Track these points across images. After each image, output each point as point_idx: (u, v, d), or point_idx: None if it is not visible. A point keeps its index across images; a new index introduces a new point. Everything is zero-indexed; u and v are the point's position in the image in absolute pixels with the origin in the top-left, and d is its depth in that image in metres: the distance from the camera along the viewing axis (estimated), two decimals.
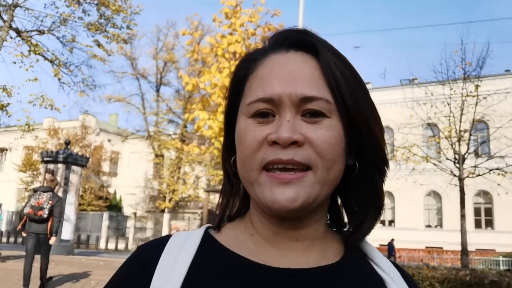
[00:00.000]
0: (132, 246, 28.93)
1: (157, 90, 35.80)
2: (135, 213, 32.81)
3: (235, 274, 0.63)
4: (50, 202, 7.56)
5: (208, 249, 0.67)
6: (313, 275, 0.64)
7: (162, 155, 34.32)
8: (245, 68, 0.69)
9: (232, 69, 9.90)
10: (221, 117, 10.19)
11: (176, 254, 0.65)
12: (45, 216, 7.46)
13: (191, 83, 10.72)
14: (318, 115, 0.62)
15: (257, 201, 0.64)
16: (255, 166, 0.62)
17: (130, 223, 31.80)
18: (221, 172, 26.68)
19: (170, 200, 31.85)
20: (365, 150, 0.66)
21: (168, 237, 0.70)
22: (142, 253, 0.69)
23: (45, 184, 8.10)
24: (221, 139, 10.54)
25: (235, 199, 0.73)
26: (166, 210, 31.73)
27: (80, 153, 20.35)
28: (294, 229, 0.66)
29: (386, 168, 0.69)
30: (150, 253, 0.67)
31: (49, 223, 7.57)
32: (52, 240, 7.67)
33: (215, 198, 30.91)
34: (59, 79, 15.76)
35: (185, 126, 33.81)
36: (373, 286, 0.67)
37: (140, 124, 47.15)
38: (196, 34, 11.44)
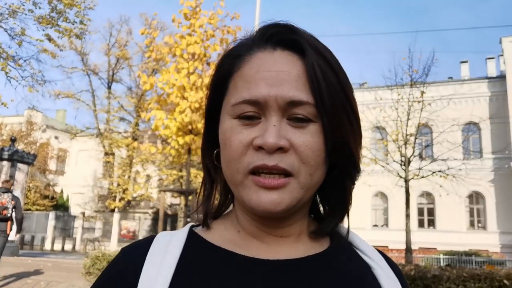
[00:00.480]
0: (79, 247, 28.07)
1: (109, 87, 34.92)
2: (83, 213, 31.82)
3: (224, 268, 0.63)
4: (13, 202, 8.02)
5: (195, 247, 0.67)
6: (302, 264, 0.65)
7: (113, 154, 33.53)
8: (230, 64, 0.67)
9: (191, 69, 9.94)
10: (179, 117, 10.20)
11: (162, 254, 0.64)
12: (8, 215, 7.89)
13: (149, 82, 10.65)
14: (304, 119, 0.62)
15: (241, 202, 0.65)
16: (241, 170, 0.62)
17: (77, 223, 30.81)
18: (174, 172, 26.52)
19: (120, 199, 31.18)
20: (337, 156, 0.65)
21: (152, 237, 0.69)
22: (127, 254, 0.68)
23: (0, 185, 8.52)
24: (178, 138, 10.54)
25: (215, 193, 0.73)
26: (116, 209, 31.03)
27: (25, 150, 19.57)
28: (279, 227, 0.67)
29: (356, 174, 0.70)
30: (135, 254, 0.67)
31: (9, 222, 8.00)
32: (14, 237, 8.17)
33: (168, 198, 30.59)
34: (6, 73, 15.09)
35: (137, 124, 33.21)
36: (359, 270, 0.68)
37: (90, 121, 45.73)
38: (155, 33, 11.35)
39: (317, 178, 0.64)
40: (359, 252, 0.72)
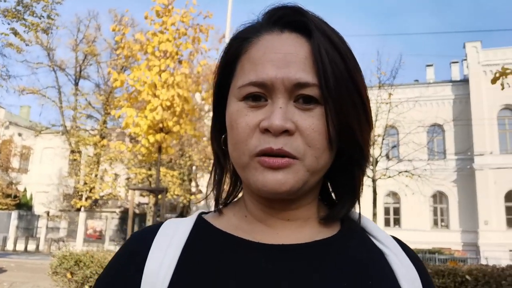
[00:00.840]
0: (43, 247, 27.35)
1: (76, 84, 34.10)
2: (47, 212, 30.99)
3: (228, 253, 0.63)
4: None
5: (202, 232, 0.67)
6: (308, 248, 0.64)
7: (80, 152, 32.79)
8: (237, 47, 0.67)
9: (163, 67, 9.85)
10: (149, 115, 10.10)
11: (169, 239, 0.65)
12: None
13: (120, 79, 10.50)
14: (311, 101, 0.61)
15: (247, 183, 0.65)
16: (247, 152, 0.62)
17: (42, 223, 29.98)
18: (143, 171, 26.15)
19: (87, 198, 30.53)
20: (343, 142, 0.64)
21: (160, 223, 0.70)
22: (134, 240, 0.69)
23: None
24: (149, 137, 10.43)
25: (224, 179, 0.73)
26: (82, 209, 30.36)
27: None
28: (285, 210, 0.67)
29: (365, 163, 0.69)
30: (142, 239, 0.67)
31: None
32: None
33: (136, 197, 30.14)
34: None
35: (105, 122, 32.57)
36: (371, 257, 0.66)
37: (56, 118, 44.50)
38: (126, 30, 11.19)
39: (324, 161, 0.63)
40: (372, 238, 0.71)
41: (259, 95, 0.62)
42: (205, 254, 0.63)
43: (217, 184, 0.72)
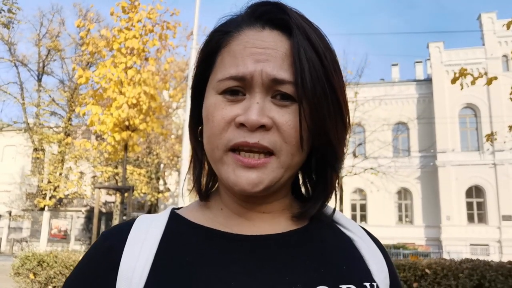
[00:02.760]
0: (5, 248, 26.50)
1: (39, 79, 33.07)
2: (9, 212, 30.02)
3: (206, 245, 0.64)
4: None
5: (176, 226, 0.67)
6: (284, 237, 0.66)
7: (43, 150, 31.88)
8: (218, 40, 0.67)
9: (129, 64, 9.68)
10: (115, 112, 9.95)
11: (143, 235, 0.64)
12: None
13: (85, 76, 10.29)
14: (288, 98, 0.61)
15: (220, 179, 0.66)
16: (221, 146, 0.62)
17: (3, 223, 29.01)
18: (110, 169, 25.70)
19: (51, 197, 29.74)
20: (315, 141, 0.64)
21: (133, 220, 0.69)
22: (108, 237, 0.68)
23: None
24: (115, 134, 10.27)
25: (203, 173, 0.72)
26: (46, 208, 29.56)
27: None
28: (260, 204, 0.67)
29: (337, 163, 0.68)
30: (116, 236, 0.66)
31: None
32: None
33: (102, 196, 29.57)
34: None
35: (69, 119, 31.76)
36: (341, 244, 0.70)
37: (18, 115, 43.19)
38: (92, 26, 10.97)
39: (298, 158, 0.63)
40: (341, 228, 0.73)
41: (237, 89, 0.62)
42: (182, 248, 0.63)
43: (197, 180, 0.71)
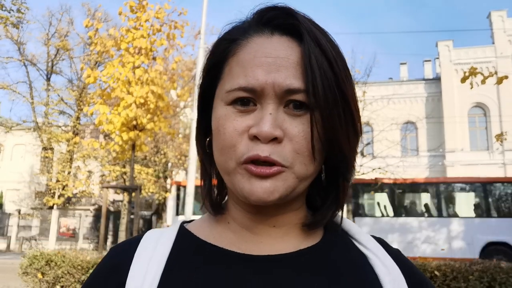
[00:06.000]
0: (14, 246, 26.72)
1: (48, 79, 33.27)
2: (19, 210, 30.27)
3: (213, 266, 0.62)
4: None
5: (184, 244, 0.66)
6: (293, 259, 0.63)
7: (52, 148, 32.09)
8: (225, 49, 0.64)
9: (137, 63, 9.73)
10: (123, 112, 9.97)
11: (150, 252, 0.63)
12: None
13: (93, 75, 10.32)
14: (301, 107, 0.59)
15: (233, 190, 0.62)
16: (234, 158, 0.60)
17: (13, 221, 29.28)
18: (118, 168, 25.82)
19: (60, 196, 29.93)
20: (328, 152, 0.63)
21: (141, 236, 0.68)
22: (114, 254, 0.67)
23: None
24: (123, 134, 10.30)
25: (214, 186, 0.71)
26: (55, 206, 29.76)
27: None
28: (272, 216, 0.65)
29: (348, 173, 0.66)
30: (123, 253, 0.66)
31: None
32: None
33: (111, 195, 29.75)
34: None
35: (78, 118, 31.93)
36: (354, 262, 0.66)
37: (27, 114, 43.53)
38: (100, 25, 11.00)
39: (312, 168, 0.61)
40: (355, 242, 0.70)
41: (248, 99, 0.60)
42: (189, 268, 0.62)
43: (207, 194, 0.69)
